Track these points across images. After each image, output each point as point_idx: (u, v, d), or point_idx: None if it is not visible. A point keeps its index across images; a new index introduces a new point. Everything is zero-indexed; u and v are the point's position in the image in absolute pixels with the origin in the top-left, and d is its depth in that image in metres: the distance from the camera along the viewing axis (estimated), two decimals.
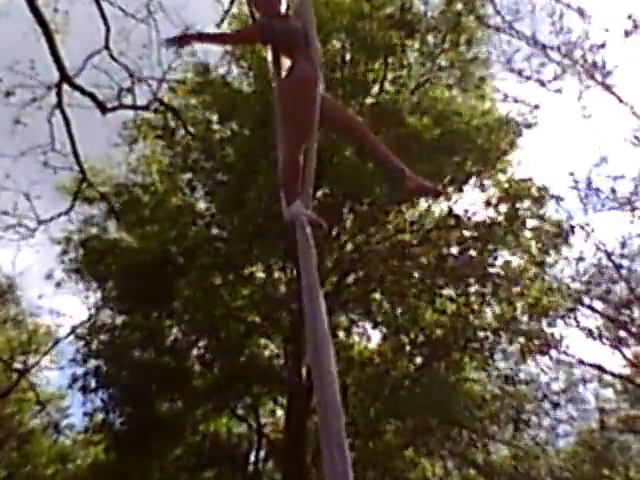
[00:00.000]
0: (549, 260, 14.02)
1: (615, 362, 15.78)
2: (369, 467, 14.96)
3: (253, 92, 14.52)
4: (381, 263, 13.95)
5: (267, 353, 15.61)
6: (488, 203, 13.94)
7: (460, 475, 15.24)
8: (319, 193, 13.76)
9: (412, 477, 15.17)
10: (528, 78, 14.39)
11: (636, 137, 15.04)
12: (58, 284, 16.91)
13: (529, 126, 14.32)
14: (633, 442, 16.68)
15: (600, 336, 14.59)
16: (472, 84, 15.09)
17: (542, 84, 14.43)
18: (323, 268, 14.50)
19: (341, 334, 14.90)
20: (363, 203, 13.89)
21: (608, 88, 14.39)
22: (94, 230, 16.37)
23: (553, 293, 13.87)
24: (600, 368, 15.18)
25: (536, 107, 14.43)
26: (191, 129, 15.38)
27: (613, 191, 15.16)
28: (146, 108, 16.23)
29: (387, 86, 14.67)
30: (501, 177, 14.37)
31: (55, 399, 20.67)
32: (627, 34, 13.89)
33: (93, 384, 15.16)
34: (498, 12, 14.66)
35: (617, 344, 14.88)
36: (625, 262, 15.08)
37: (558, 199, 14.42)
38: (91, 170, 16.45)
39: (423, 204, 14.68)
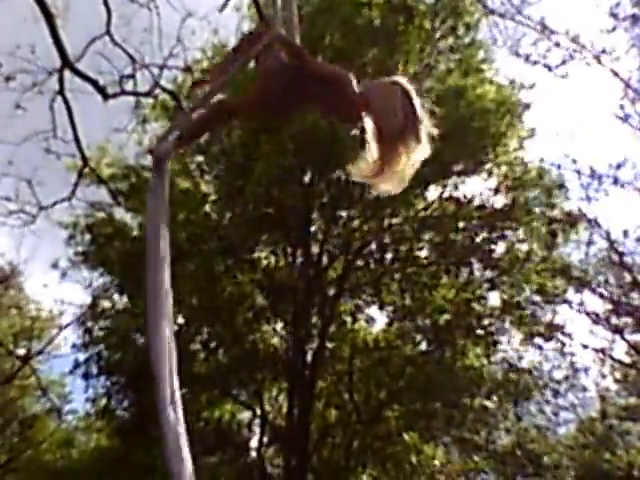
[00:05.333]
0: (556, 244, 14.14)
1: (618, 350, 15.87)
2: (371, 453, 15.07)
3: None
4: (389, 249, 14.03)
5: (271, 339, 15.64)
6: (495, 190, 14.02)
7: (462, 460, 15.34)
8: (328, 177, 13.80)
9: (414, 462, 15.25)
10: (535, 63, 14.33)
11: None
12: (64, 273, 16.88)
13: (528, 107, 14.39)
14: (633, 428, 16.81)
15: (606, 321, 14.64)
16: (473, 68, 15.10)
17: (549, 69, 14.39)
18: (330, 252, 14.63)
19: (347, 319, 15.01)
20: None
21: (616, 73, 14.39)
22: (101, 214, 16.36)
23: (558, 276, 13.97)
24: (603, 352, 15.24)
25: (533, 85, 14.52)
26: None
27: (615, 180, 15.15)
28: (148, 94, 16.20)
29: (388, 72, 14.61)
30: (504, 160, 14.44)
31: (57, 385, 20.70)
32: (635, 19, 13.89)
33: (95, 370, 15.22)
34: None
35: (621, 330, 14.95)
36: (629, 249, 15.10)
37: (562, 187, 14.49)
38: (100, 150, 16.44)
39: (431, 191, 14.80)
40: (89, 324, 15.76)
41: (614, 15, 14.32)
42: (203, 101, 3.75)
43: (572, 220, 13.82)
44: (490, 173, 14.44)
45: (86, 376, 15.27)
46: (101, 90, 15.25)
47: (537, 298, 14.17)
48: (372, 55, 14.49)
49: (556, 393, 14.72)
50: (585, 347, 14.88)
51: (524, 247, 14.35)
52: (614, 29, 14.12)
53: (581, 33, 14.12)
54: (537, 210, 14.04)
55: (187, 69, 15.64)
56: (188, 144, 4.31)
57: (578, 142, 21.80)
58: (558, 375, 14.68)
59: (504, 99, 14.62)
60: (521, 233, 14.22)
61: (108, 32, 15.12)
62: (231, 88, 4.00)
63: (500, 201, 14.31)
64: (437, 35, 15.12)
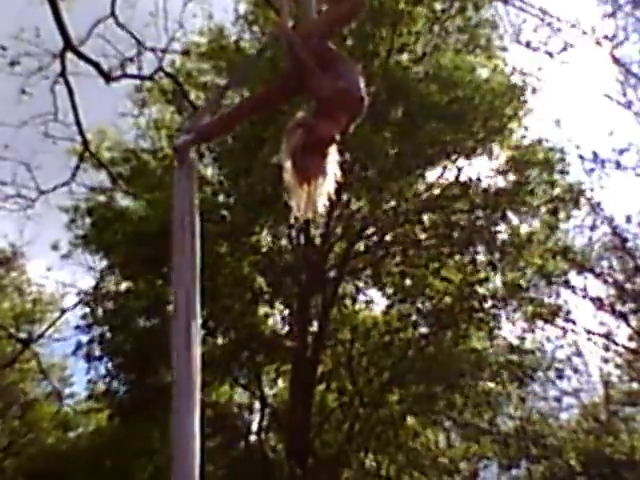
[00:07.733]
0: (559, 225, 14.09)
1: (622, 335, 15.79)
2: (373, 437, 15.01)
3: (261, 55, 14.38)
4: (390, 231, 13.95)
5: (271, 322, 15.59)
6: (497, 171, 13.94)
7: (464, 443, 15.29)
8: None
9: (416, 446, 15.19)
10: (536, 49, 14.23)
11: None
12: (65, 256, 16.89)
13: (534, 91, 14.28)
14: (636, 413, 16.78)
15: (610, 306, 14.57)
16: (480, 48, 15.00)
17: (550, 55, 14.29)
18: (331, 235, 14.54)
19: (348, 302, 14.94)
20: (372, 170, 13.81)
21: (617, 60, 14.29)
22: (101, 198, 16.32)
23: (561, 258, 13.90)
24: (607, 337, 15.17)
25: (539, 69, 14.42)
26: (201, 95, 15.26)
27: (618, 165, 15.05)
28: (150, 78, 16.11)
29: (395, 53, 14.53)
30: (509, 143, 14.34)
31: (58, 368, 20.70)
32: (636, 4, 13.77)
33: (97, 352, 15.18)
34: None
35: (625, 316, 14.88)
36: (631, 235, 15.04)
37: (563, 172, 14.39)
38: (100, 134, 16.38)
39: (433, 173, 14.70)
40: (92, 306, 15.71)
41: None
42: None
43: (573, 197, 13.74)
44: (491, 153, 14.35)
45: (88, 358, 15.23)
46: (103, 73, 15.19)
47: (539, 281, 14.09)
48: (379, 34, 14.40)
49: (560, 374, 14.67)
50: (589, 333, 14.82)
51: (526, 228, 14.29)
52: (614, 14, 14.03)
53: (582, 18, 14.03)
54: (539, 189, 13.95)
55: (186, 52, 15.61)
56: (210, 139, 4.66)
57: (579, 128, 21.69)
58: (561, 355, 14.65)
59: (510, 83, 14.52)
60: (523, 213, 14.13)
61: (113, 14, 15.07)
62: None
63: (502, 182, 14.25)
64: (445, 15, 15.02)
